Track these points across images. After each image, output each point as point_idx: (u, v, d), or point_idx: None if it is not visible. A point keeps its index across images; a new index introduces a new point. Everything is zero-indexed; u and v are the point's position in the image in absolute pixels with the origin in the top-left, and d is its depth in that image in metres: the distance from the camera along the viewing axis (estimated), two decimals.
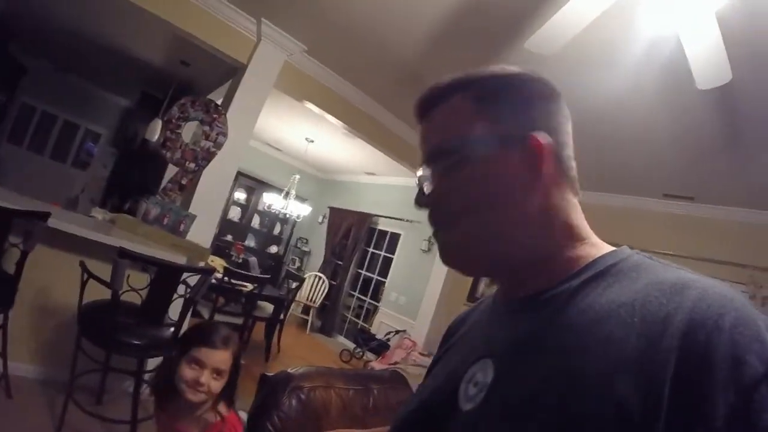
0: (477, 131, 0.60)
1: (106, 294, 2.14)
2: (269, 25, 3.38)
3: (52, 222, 2.23)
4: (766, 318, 0.43)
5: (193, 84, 5.36)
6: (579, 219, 0.61)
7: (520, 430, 0.46)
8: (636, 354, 0.42)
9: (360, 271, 7.65)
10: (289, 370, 1.70)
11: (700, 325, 0.41)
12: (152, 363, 2.37)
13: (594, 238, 0.61)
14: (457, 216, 0.61)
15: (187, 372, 1.50)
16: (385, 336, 6.03)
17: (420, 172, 0.65)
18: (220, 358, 1.55)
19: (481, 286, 5.57)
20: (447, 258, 0.64)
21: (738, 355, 0.39)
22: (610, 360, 0.43)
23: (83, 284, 2.22)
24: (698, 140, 3.01)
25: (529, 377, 0.49)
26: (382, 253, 7.43)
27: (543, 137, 0.58)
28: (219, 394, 1.57)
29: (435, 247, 5.54)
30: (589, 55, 2.49)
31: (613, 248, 0.59)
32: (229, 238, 8.04)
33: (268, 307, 5.00)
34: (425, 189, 0.64)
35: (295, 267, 8.82)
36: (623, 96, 2.80)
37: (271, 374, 1.63)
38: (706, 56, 1.80)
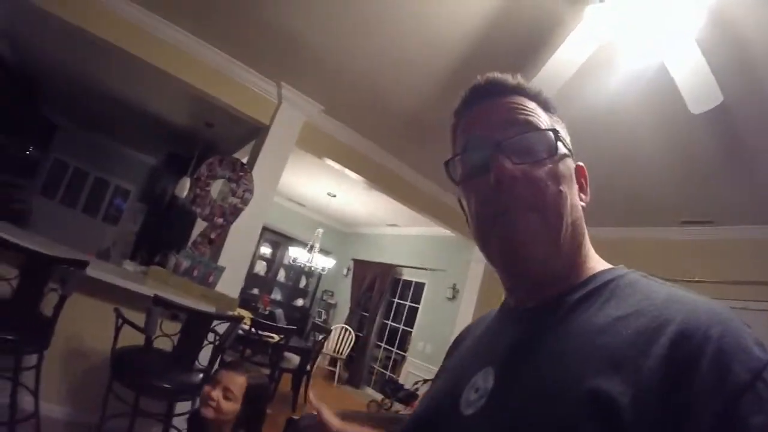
0: (562, 135, 0.65)
1: (137, 340, 2.28)
2: (289, 89, 3.66)
3: (90, 271, 2.40)
4: (753, 332, 0.46)
5: (217, 144, 5.67)
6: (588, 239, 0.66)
7: None
8: (628, 361, 0.45)
9: (386, 321, 7.67)
10: (314, 413, 1.79)
11: (689, 335, 0.44)
12: (181, 407, 2.47)
13: (595, 255, 0.65)
14: (546, 199, 0.59)
15: (205, 388, 1.70)
16: (413, 385, 5.98)
17: (507, 142, 0.61)
18: (232, 379, 1.71)
19: None
20: (527, 242, 0.59)
21: (724, 363, 0.41)
22: (603, 366, 0.46)
23: (117, 329, 2.36)
24: (702, 163, 3.04)
25: (527, 382, 0.52)
26: (408, 303, 7.46)
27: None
28: (239, 423, 1.71)
29: (459, 294, 5.60)
30: (576, 92, 2.60)
31: (610, 265, 0.63)
32: (255, 291, 8.20)
33: (295, 359, 5.05)
34: (511, 159, 0.60)
35: (322, 319, 8.87)
36: (620, 131, 2.90)
37: (297, 417, 1.72)
38: (694, 81, 1.89)
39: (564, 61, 2.03)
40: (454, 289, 6.35)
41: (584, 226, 0.64)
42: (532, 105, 0.65)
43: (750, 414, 0.39)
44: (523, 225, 0.58)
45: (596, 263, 0.63)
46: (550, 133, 0.63)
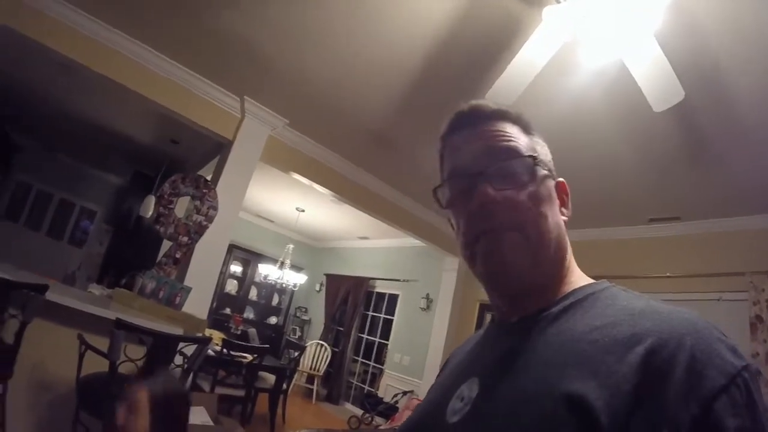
0: (541, 157, 0.68)
1: (103, 367, 2.17)
2: (252, 102, 3.61)
3: (50, 295, 2.28)
4: (728, 339, 0.47)
5: (183, 161, 5.58)
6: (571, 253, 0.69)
7: None
8: (603, 367, 0.46)
9: (361, 335, 7.60)
10: None
11: (663, 344, 0.45)
12: None
13: (578, 270, 0.68)
14: (530, 220, 0.62)
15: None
16: (392, 398, 5.93)
17: (488, 169, 0.64)
18: (134, 392, 1.68)
19: None
20: (500, 264, 0.62)
21: (698, 369, 0.43)
22: (579, 371, 0.47)
23: (81, 356, 2.25)
24: (666, 160, 3.08)
25: (509, 390, 0.53)
26: (382, 315, 7.42)
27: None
28: None
29: (433, 304, 5.58)
30: (539, 95, 2.62)
31: (593, 280, 0.65)
32: (227, 311, 8.02)
33: (270, 378, 4.94)
34: (493, 185, 0.63)
35: (296, 336, 8.73)
36: (585, 132, 2.95)
37: None
38: (655, 79, 1.91)
39: (525, 63, 2.05)
40: (428, 299, 6.35)
41: (567, 241, 0.67)
42: (513, 129, 0.69)
43: (726, 416, 0.40)
44: (505, 242, 0.62)
45: (578, 278, 0.66)
46: (529, 159, 0.66)
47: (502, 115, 0.70)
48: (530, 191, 0.64)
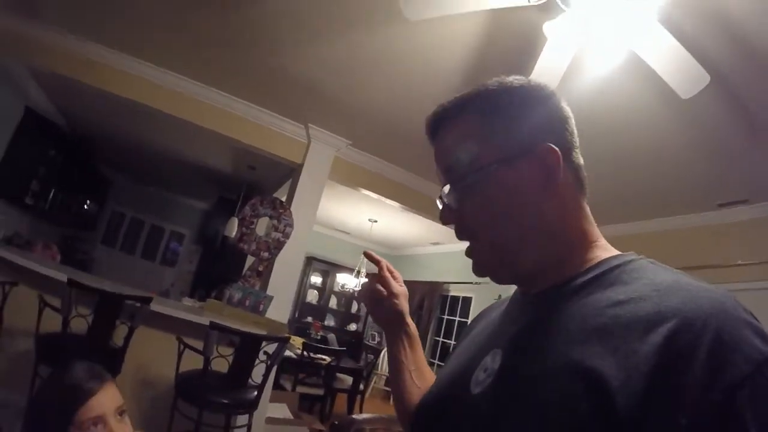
0: (488, 149, 0.63)
1: (198, 364, 2.60)
2: (316, 128, 4.03)
3: (153, 306, 2.76)
4: (757, 322, 0.45)
5: (260, 185, 6.14)
6: (589, 222, 0.65)
7: (519, 411, 0.50)
8: (624, 347, 0.45)
9: (437, 338, 7.81)
10: (353, 416, 2.03)
11: (688, 324, 0.43)
12: (240, 420, 2.78)
13: (603, 240, 0.65)
14: (481, 230, 0.64)
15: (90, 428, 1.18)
16: None
17: (444, 190, 0.68)
18: (111, 394, 1.29)
19: None
20: (477, 267, 0.67)
21: (723, 355, 0.41)
22: (599, 348, 0.46)
23: (180, 354, 2.70)
24: (724, 141, 2.89)
25: (529, 362, 0.54)
26: (457, 318, 7.59)
27: (552, 146, 0.61)
28: None
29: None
30: (578, 96, 2.62)
31: (620, 252, 0.63)
32: (308, 319, 8.57)
33: (348, 380, 5.30)
34: (449, 206, 0.67)
35: (375, 342, 9.09)
36: (631, 128, 2.93)
37: (337, 422, 1.97)
38: (674, 66, 1.84)
39: (547, 69, 2.09)
40: (500, 299, 6.43)
41: (567, 220, 0.63)
42: (467, 126, 0.66)
43: (748, 406, 0.39)
44: (472, 251, 0.67)
45: (603, 251, 0.63)
46: (466, 176, 0.64)
47: (457, 112, 0.68)
48: (478, 202, 0.64)
